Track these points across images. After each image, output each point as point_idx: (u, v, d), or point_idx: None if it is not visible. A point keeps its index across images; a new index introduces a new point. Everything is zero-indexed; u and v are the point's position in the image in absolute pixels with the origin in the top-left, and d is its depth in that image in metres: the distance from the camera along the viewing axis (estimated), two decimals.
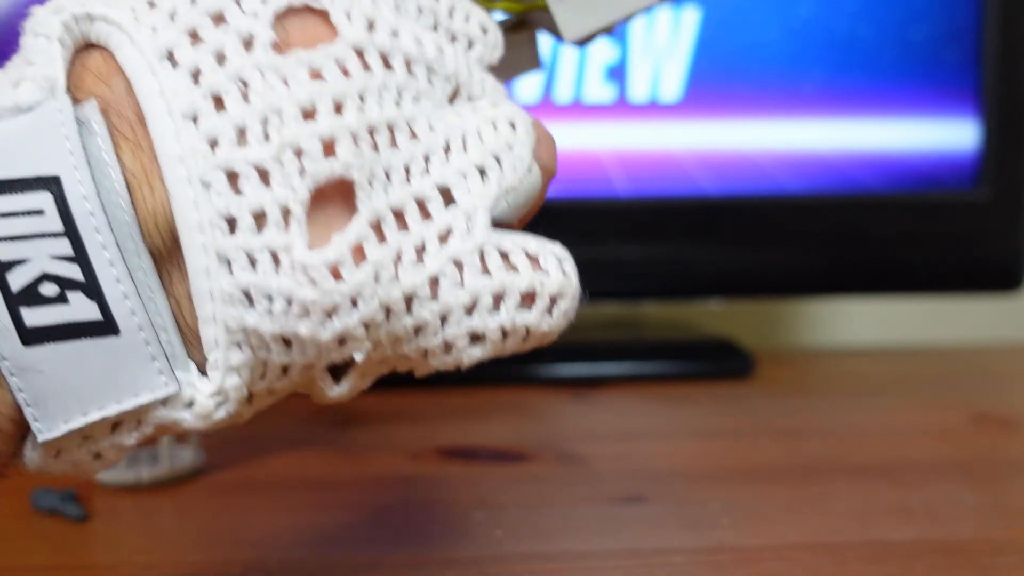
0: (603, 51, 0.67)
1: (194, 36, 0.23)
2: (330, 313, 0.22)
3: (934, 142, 0.68)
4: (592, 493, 0.43)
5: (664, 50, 0.67)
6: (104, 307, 0.21)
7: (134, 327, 0.22)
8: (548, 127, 0.27)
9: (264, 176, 0.22)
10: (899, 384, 0.68)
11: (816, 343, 0.85)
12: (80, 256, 0.21)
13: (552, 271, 0.25)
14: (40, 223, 0.21)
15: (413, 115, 0.24)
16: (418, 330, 0.24)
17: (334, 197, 0.23)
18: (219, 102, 0.22)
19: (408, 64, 0.24)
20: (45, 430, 0.22)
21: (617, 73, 0.66)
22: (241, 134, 0.22)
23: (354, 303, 0.22)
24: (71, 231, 0.21)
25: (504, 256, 0.24)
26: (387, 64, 0.24)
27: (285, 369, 0.23)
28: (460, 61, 0.25)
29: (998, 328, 0.85)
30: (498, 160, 0.25)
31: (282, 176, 0.22)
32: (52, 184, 0.21)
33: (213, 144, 0.22)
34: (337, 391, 0.25)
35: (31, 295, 0.21)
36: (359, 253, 0.22)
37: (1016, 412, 0.59)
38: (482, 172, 0.24)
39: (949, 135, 0.68)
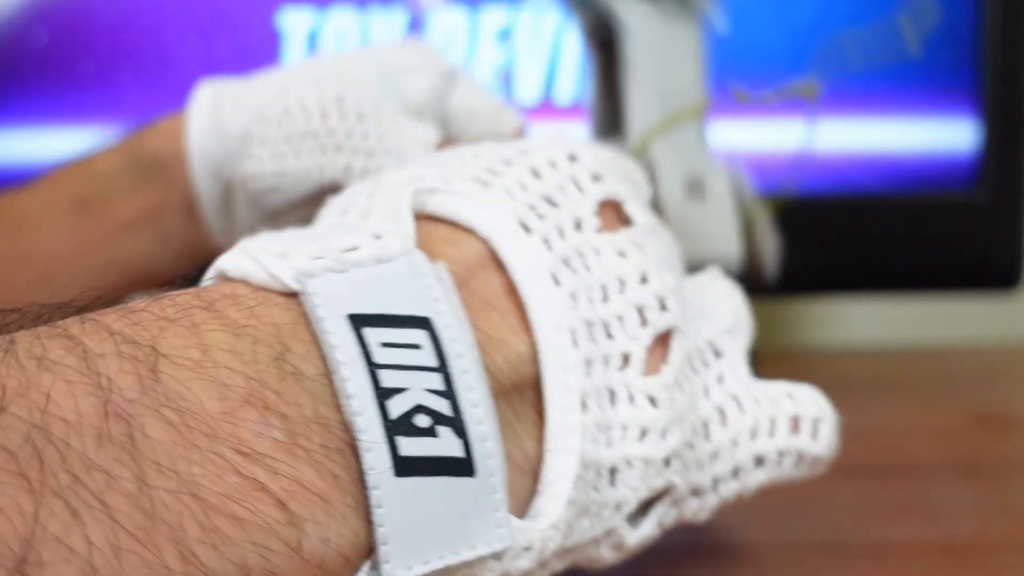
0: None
1: (536, 212, 0.26)
2: (664, 432, 0.25)
3: (933, 142, 0.68)
4: None
5: None
6: (467, 446, 0.21)
7: (487, 471, 0.21)
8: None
9: (613, 327, 0.25)
10: (899, 384, 0.68)
11: (816, 343, 0.85)
12: (450, 392, 0.21)
13: (808, 401, 0.30)
14: (418, 356, 0.21)
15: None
16: (714, 455, 0.28)
17: (658, 341, 0.27)
18: (568, 265, 0.25)
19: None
20: (394, 572, 0.20)
21: None
22: (591, 293, 0.25)
23: (678, 422, 0.26)
24: (443, 367, 0.21)
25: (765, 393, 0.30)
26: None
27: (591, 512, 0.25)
28: None
29: (997, 328, 0.85)
30: (741, 323, 0.31)
31: (629, 327, 0.26)
32: (425, 323, 0.22)
33: (574, 299, 0.25)
34: (639, 533, 0.27)
35: (407, 425, 0.21)
36: (678, 383, 0.26)
37: (1016, 412, 0.59)
38: (730, 332, 0.30)
39: (948, 135, 0.68)
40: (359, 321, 0.21)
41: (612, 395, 0.25)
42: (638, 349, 0.26)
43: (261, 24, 0.67)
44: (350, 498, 0.20)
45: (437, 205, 0.26)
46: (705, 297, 0.30)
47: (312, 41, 0.67)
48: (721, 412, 0.28)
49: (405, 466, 0.20)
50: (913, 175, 0.69)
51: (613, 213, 0.27)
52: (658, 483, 0.26)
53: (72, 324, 0.19)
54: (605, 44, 0.38)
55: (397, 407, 0.20)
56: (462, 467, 0.21)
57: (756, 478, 0.29)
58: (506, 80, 0.66)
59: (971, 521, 0.40)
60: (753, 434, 0.29)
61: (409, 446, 0.20)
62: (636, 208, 0.27)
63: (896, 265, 0.70)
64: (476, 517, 0.21)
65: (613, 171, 0.28)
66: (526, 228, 0.25)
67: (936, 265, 0.70)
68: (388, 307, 0.22)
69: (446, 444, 0.21)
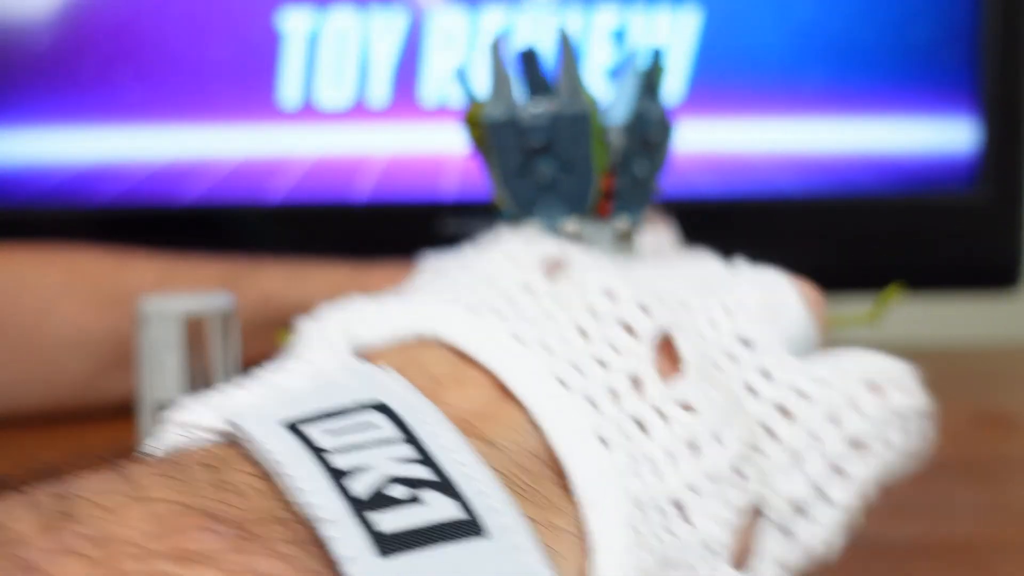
0: (600, 52, 0.67)
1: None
2: (717, 436, 0.22)
3: (933, 142, 0.68)
4: None
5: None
6: (466, 505, 0.18)
7: (501, 528, 0.18)
8: None
9: (605, 355, 0.23)
10: None
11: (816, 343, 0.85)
12: (426, 458, 0.18)
13: (873, 361, 0.27)
14: (375, 433, 0.19)
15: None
16: (795, 455, 0.24)
17: (661, 351, 0.24)
18: (533, 323, 0.23)
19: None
20: None
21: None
22: (565, 334, 0.23)
23: (729, 422, 0.23)
24: (411, 438, 0.19)
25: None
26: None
27: None
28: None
29: (997, 328, 0.85)
30: (773, 309, 0.27)
31: (622, 346, 0.23)
32: (378, 406, 0.19)
33: (547, 349, 0.22)
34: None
35: (380, 498, 0.17)
36: (708, 380, 0.24)
37: (1016, 412, 0.59)
38: (758, 321, 0.26)
39: (948, 135, 0.68)
40: (295, 425, 0.19)
41: (640, 424, 0.22)
42: (643, 364, 0.22)
43: (261, 24, 0.67)
44: None
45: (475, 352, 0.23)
46: (735, 291, 0.27)
47: (312, 41, 0.67)
48: (781, 408, 0.24)
49: (390, 543, 0.17)
50: (913, 175, 0.69)
51: (552, 267, 0.26)
52: (742, 501, 0.22)
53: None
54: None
55: (362, 484, 0.17)
56: (467, 529, 0.17)
57: (867, 467, 0.25)
58: None
59: (971, 521, 0.40)
60: (834, 419, 0.24)
61: (390, 520, 0.17)
62: (574, 250, 0.26)
63: (896, 265, 0.70)
64: None
65: None
66: (475, 311, 0.23)
67: (936, 265, 0.70)
68: (328, 405, 0.19)
69: (437, 508, 0.17)
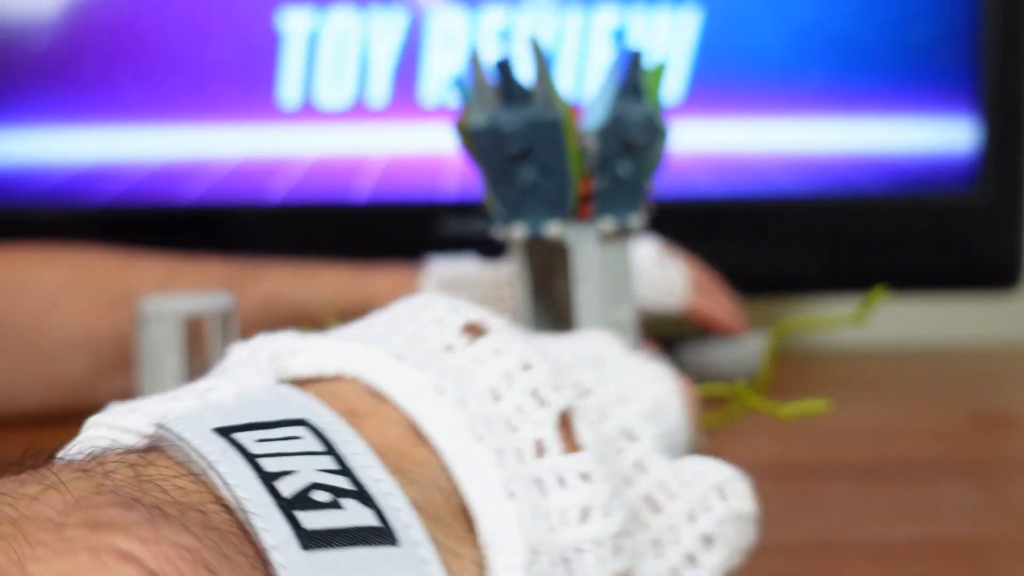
0: (600, 52, 0.67)
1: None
2: (607, 508, 0.24)
3: (933, 143, 0.68)
4: None
5: (663, 53, 0.67)
6: (381, 515, 0.19)
7: (411, 540, 0.19)
8: None
9: (514, 419, 0.25)
10: (899, 384, 0.68)
11: (816, 343, 0.85)
12: (345, 470, 0.20)
13: (717, 468, 0.29)
14: (300, 444, 0.20)
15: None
16: (657, 543, 0.27)
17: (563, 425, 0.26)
18: (451, 378, 0.25)
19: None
20: None
21: None
22: (481, 396, 0.25)
23: (618, 498, 0.25)
24: (332, 450, 0.20)
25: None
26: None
27: None
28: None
29: (997, 328, 0.85)
30: (663, 408, 0.30)
31: (530, 414, 0.25)
32: (301, 422, 0.21)
33: (463, 403, 0.24)
34: None
35: (305, 500, 0.19)
36: (603, 460, 0.25)
37: (1015, 412, 0.59)
38: (646, 417, 0.29)
39: (948, 136, 0.68)
40: (226, 431, 0.20)
41: (540, 483, 0.24)
42: (547, 432, 0.25)
43: (261, 24, 0.67)
44: None
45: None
46: (626, 382, 0.29)
47: (312, 41, 0.67)
48: (651, 500, 0.27)
49: (312, 539, 0.18)
50: (913, 176, 0.69)
51: (475, 332, 0.27)
52: (618, 567, 0.24)
53: None
54: (538, 257, 0.44)
55: (288, 487, 0.19)
56: (381, 536, 0.19)
57: (715, 559, 0.28)
58: None
59: (971, 521, 0.40)
60: (691, 516, 0.28)
61: (312, 519, 0.18)
62: (495, 319, 0.27)
63: (896, 265, 0.70)
64: None
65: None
66: (399, 358, 0.25)
67: (936, 265, 0.70)
68: (256, 417, 0.20)
69: (355, 515, 0.19)
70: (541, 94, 0.41)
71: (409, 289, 0.51)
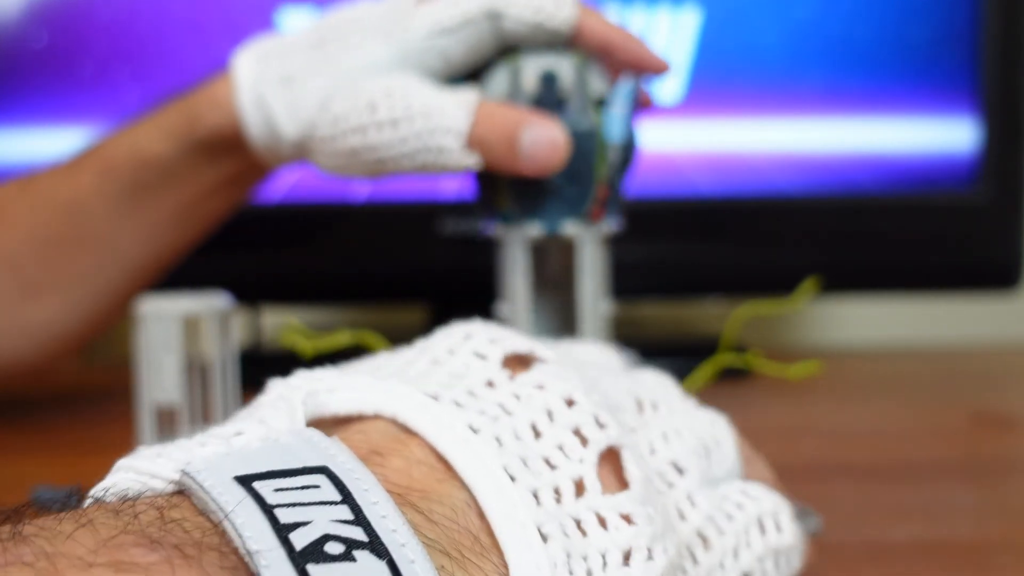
0: None
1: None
2: (649, 551, 0.24)
3: (933, 142, 0.68)
4: None
5: (663, 52, 0.66)
6: (394, 567, 0.19)
7: None
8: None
9: (553, 457, 0.25)
10: (899, 384, 0.68)
11: (816, 343, 0.85)
12: (361, 519, 0.20)
13: (763, 497, 0.29)
14: (317, 494, 0.20)
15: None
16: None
17: (606, 461, 0.26)
18: (486, 414, 0.25)
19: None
20: None
21: None
22: (519, 431, 0.25)
23: (662, 540, 0.24)
24: (349, 499, 0.20)
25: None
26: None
27: None
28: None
29: (997, 328, 0.85)
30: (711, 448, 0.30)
31: (571, 451, 0.25)
32: (322, 469, 0.21)
33: (499, 442, 0.24)
34: None
35: (317, 553, 0.19)
36: (648, 499, 0.25)
37: (1015, 412, 0.59)
38: (695, 452, 0.29)
39: (948, 135, 0.68)
40: (246, 479, 0.20)
41: (578, 524, 0.24)
42: (588, 470, 0.24)
43: (261, 24, 0.67)
44: None
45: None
46: (677, 421, 0.29)
47: None
48: (703, 537, 0.27)
49: None
50: (913, 175, 0.69)
51: (519, 364, 0.27)
52: None
53: None
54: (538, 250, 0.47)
55: (301, 539, 0.19)
56: None
57: None
58: None
59: (971, 521, 0.40)
60: (735, 553, 0.28)
61: (323, 572, 0.19)
62: (544, 349, 0.27)
63: (896, 265, 0.70)
64: None
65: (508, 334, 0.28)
66: (435, 398, 0.25)
67: (936, 265, 0.70)
68: (278, 465, 0.21)
69: (367, 568, 0.19)
70: (578, 106, 0.45)
71: (227, 90, 0.49)
